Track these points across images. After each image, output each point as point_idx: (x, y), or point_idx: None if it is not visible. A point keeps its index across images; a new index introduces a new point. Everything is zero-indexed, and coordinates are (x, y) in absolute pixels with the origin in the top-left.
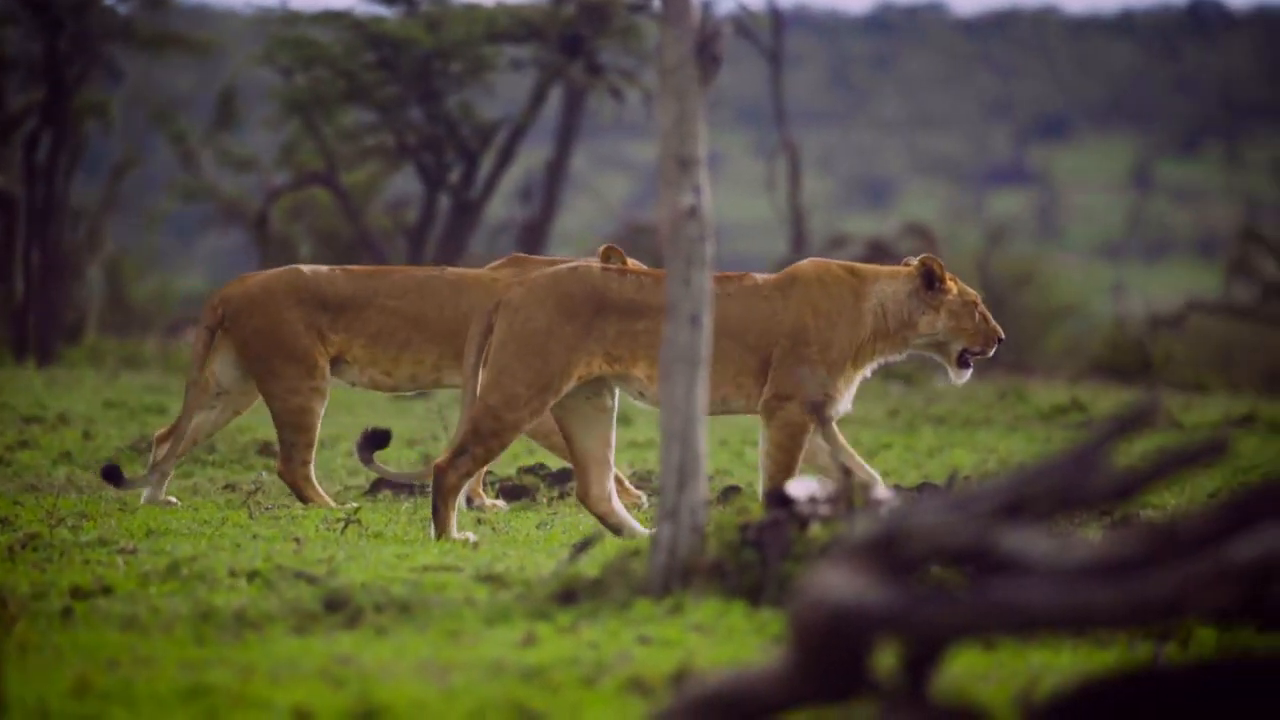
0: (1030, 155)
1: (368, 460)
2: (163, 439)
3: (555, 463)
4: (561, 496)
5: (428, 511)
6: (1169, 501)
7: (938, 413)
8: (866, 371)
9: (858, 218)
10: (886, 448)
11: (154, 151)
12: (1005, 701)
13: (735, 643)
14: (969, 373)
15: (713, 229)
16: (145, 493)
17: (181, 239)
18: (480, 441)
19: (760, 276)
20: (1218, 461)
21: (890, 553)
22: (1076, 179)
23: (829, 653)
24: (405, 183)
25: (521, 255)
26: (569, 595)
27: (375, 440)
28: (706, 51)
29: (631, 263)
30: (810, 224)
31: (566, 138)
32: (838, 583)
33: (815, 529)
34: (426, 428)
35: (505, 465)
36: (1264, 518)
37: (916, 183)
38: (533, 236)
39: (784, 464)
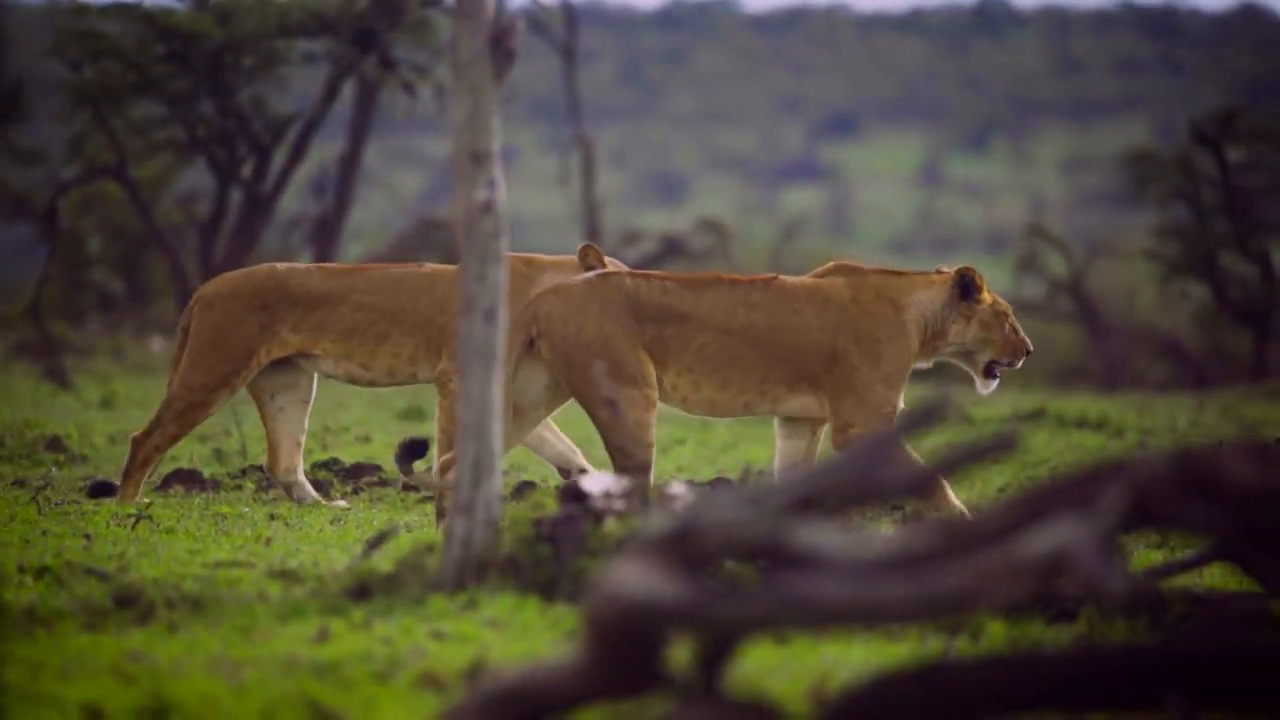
0: (821, 151)
1: (407, 470)
2: (139, 440)
3: (350, 457)
4: (355, 492)
5: (220, 507)
6: (960, 496)
7: None
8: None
9: (651, 213)
10: (680, 443)
11: None
12: (798, 695)
13: (529, 638)
14: (995, 383)
15: (507, 224)
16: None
17: None
18: None
19: (791, 280)
20: (1007, 456)
21: (684, 548)
22: (867, 175)
23: (623, 648)
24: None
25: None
26: (363, 591)
27: (414, 450)
28: (500, 46)
29: (610, 261)
30: (604, 219)
31: (359, 132)
32: (632, 578)
33: (610, 524)
34: (220, 422)
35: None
36: (1052, 512)
37: (710, 178)
38: (326, 231)
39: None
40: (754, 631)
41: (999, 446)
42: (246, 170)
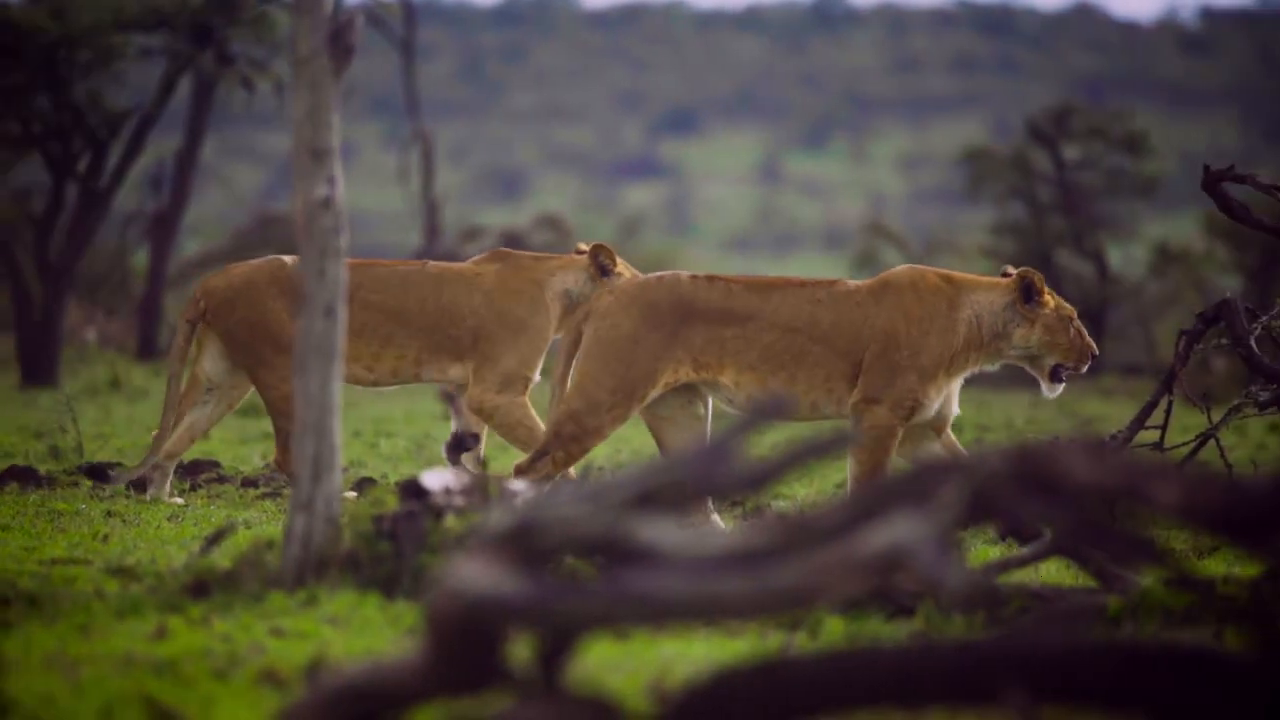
0: (661, 148)
1: (456, 462)
2: (161, 437)
3: (188, 454)
4: (193, 488)
5: (56, 504)
6: (799, 492)
7: None
8: (959, 380)
9: (491, 209)
10: None
11: None
12: (638, 691)
13: (370, 635)
14: (1061, 387)
15: (346, 220)
16: (149, 491)
17: None
18: (561, 445)
19: (853, 283)
20: (845, 453)
21: (524, 544)
22: (706, 172)
23: (463, 644)
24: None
25: (505, 250)
26: (201, 588)
27: (462, 443)
28: (339, 42)
29: (621, 262)
30: (444, 215)
31: (197, 127)
32: (472, 574)
33: (450, 521)
34: (54, 419)
35: (137, 456)
36: (890, 508)
37: (549, 175)
38: (163, 227)
39: (870, 466)
40: (594, 628)
41: (838, 442)
42: (82, 166)
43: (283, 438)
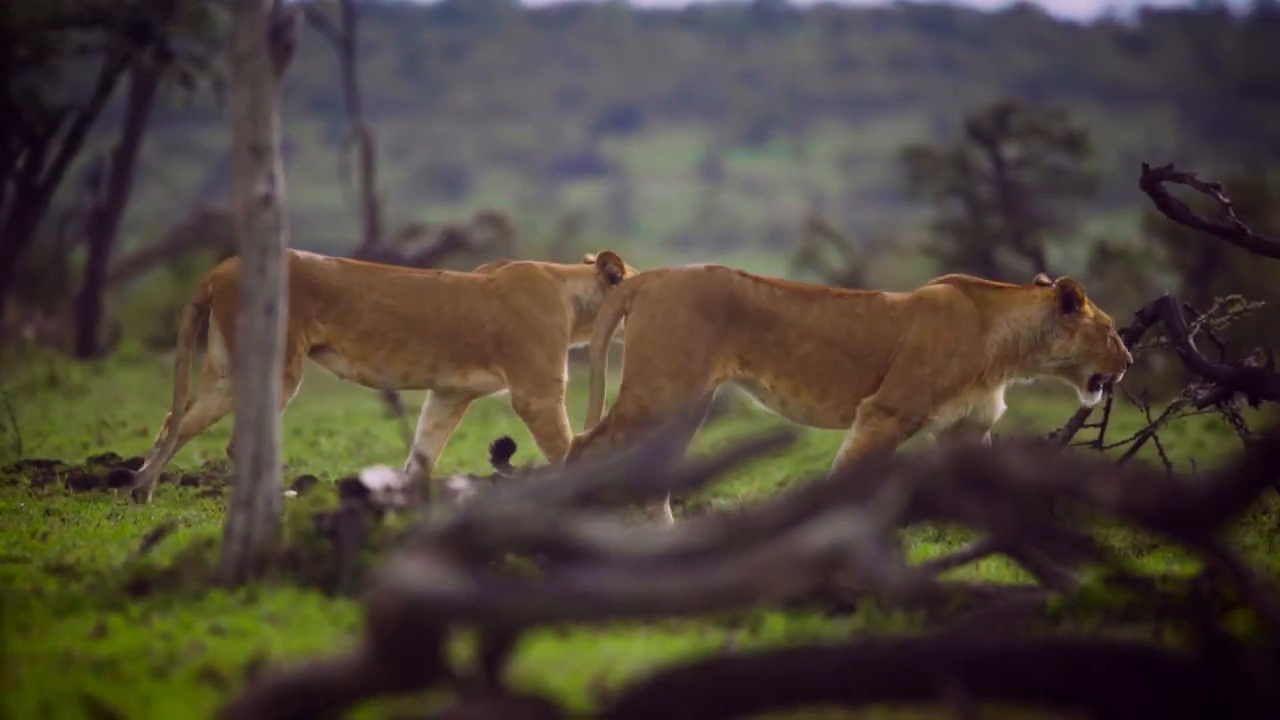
0: (602, 146)
1: (504, 467)
2: (171, 422)
3: (127, 451)
4: None
5: None
6: (739, 490)
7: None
8: (1000, 390)
9: (432, 207)
10: (461, 437)
11: None
12: (579, 689)
13: (310, 633)
14: (1099, 395)
15: (287, 217)
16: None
17: None
18: (623, 427)
19: (891, 296)
20: (786, 451)
21: (465, 542)
22: (647, 170)
23: (404, 642)
24: None
25: (512, 261)
26: (140, 586)
27: (505, 449)
28: (279, 39)
29: (629, 269)
30: (384, 213)
31: (135, 124)
32: (413, 572)
33: (391, 518)
34: None
35: (76, 454)
36: (831, 506)
37: (490, 173)
38: (101, 224)
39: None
40: (535, 626)
41: (778, 441)
42: (20, 163)
43: None
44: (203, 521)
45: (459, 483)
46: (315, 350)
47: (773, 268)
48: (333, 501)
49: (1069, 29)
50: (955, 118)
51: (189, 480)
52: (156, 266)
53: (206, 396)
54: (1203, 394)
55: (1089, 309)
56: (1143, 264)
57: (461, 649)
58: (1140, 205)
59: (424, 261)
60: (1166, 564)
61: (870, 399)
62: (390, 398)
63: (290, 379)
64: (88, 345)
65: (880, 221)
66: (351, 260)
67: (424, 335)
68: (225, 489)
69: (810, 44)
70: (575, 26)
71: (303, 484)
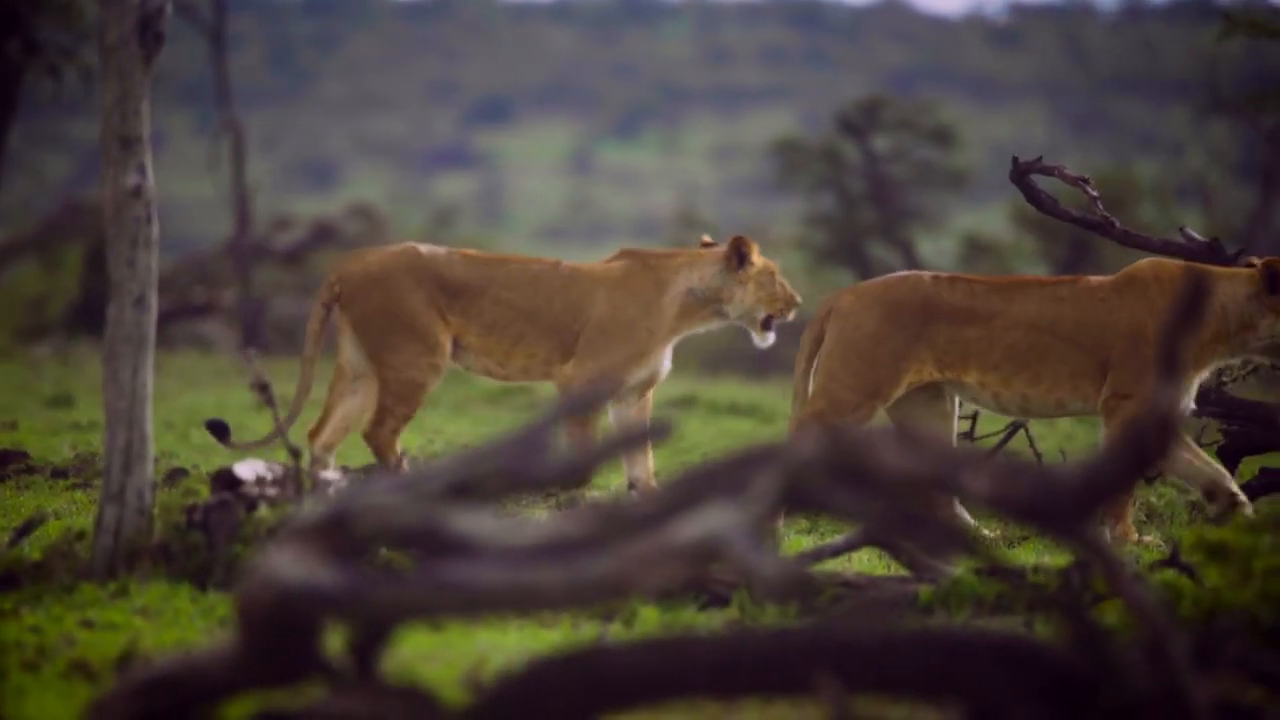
0: (473, 138)
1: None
2: (315, 433)
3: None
4: (1, 479)
5: None
6: (613, 482)
7: None
8: (1205, 374)
9: (302, 199)
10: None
11: None
12: (453, 681)
13: (182, 626)
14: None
15: (156, 209)
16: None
17: None
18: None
19: (1095, 279)
20: (661, 443)
21: (339, 534)
22: (519, 162)
23: (277, 635)
24: None
25: (632, 249)
26: (10, 579)
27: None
28: (148, 30)
29: (756, 251)
30: (255, 205)
31: (2, 115)
32: (285, 565)
33: (263, 511)
34: None
35: None
36: (705, 498)
37: (361, 164)
38: None
39: None
40: (409, 618)
41: (653, 433)
42: None
43: (382, 413)
44: (73, 514)
45: (331, 474)
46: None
47: None
48: (204, 494)
49: (938, 23)
50: (826, 111)
51: (59, 473)
52: (24, 258)
53: (344, 402)
54: None
55: None
56: (1012, 256)
57: (335, 642)
58: (1009, 198)
59: (295, 253)
60: (1037, 555)
61: (1106, 391)
62: (261, 388)
63: (435, 369)
64: None
65: (752, 213)
66: (473, 252)
67: (539, 328)
68: (96, 481)
69: (681, 37)
70: (446, 18)
71: (174, 477)
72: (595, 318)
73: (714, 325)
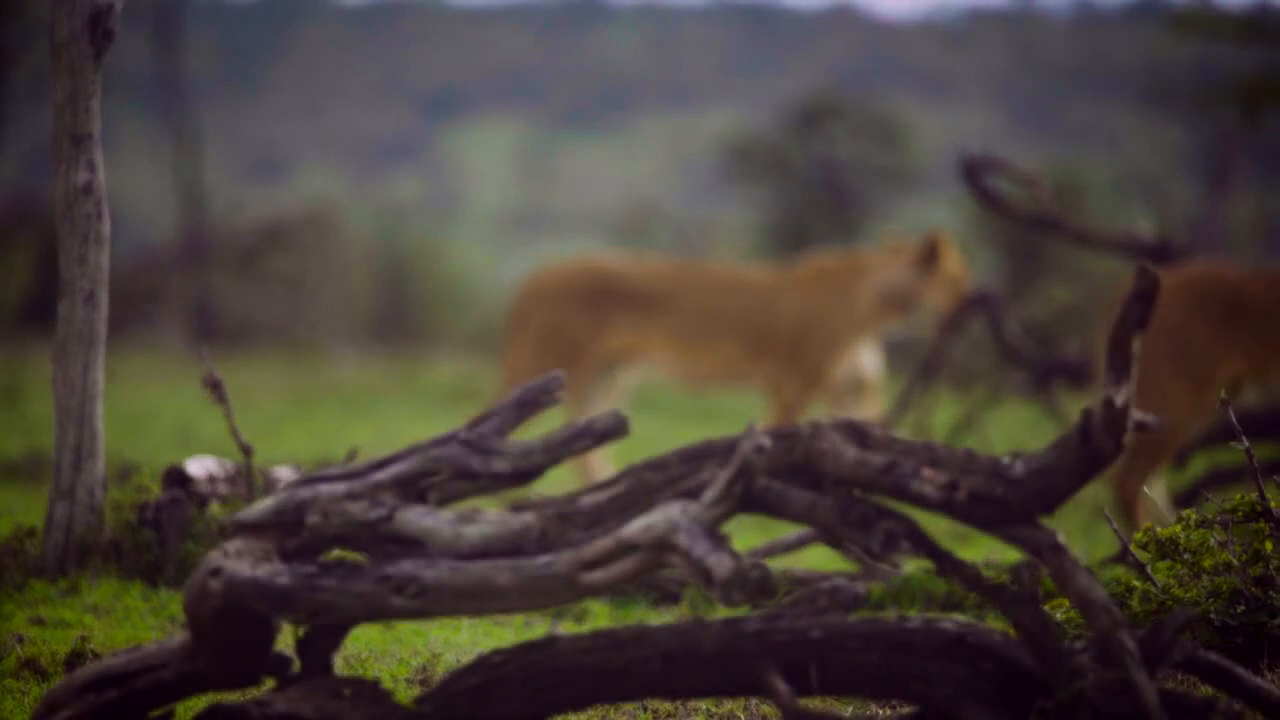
0: (425, 133)
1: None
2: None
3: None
4: None
5: None
6: (565, 478)
7: (337, 390)
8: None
9: (254, 193)
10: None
11: None
12: (404, 678)
13: (133, 624)
14: None
15: (107, 206)
16: None
17: None
18: (1146, 449)
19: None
20: (616, 439)
21: (290, 531)
22: (470, 157)
23: (226, 632)
24: None
25: (819, 254)
26: None
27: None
28: (99, 26)
29: (948, 250)
30: (206, 201)
31: None
32: (235, 561)
33: (215, 508)
34: None
35: None
36: (658, 495)
37: (312, 160)
38: None
39: None
40: (358, 617)
41: (609, 430)
42: None
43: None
44: (23, 511)
45: (284, 472)
46: (628, 351)
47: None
48: (156, 491)
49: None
50: (777, 109)
51: (9, 469)
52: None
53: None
54: (1020, 382)
55: None
56: (963, 254)
57: (286, 639)
58: (960, 196)
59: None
60: (988, 551)
61: None
62: (213, 386)
63: (578, 382)
64: None
65: (702, 212)
66: (655, 260)
67: (728, 333)
68: (46, 478)
69: (633, 35)
70: (397, 17)
71: (126, 474)
72: (792, 318)
73: (905, 322)
